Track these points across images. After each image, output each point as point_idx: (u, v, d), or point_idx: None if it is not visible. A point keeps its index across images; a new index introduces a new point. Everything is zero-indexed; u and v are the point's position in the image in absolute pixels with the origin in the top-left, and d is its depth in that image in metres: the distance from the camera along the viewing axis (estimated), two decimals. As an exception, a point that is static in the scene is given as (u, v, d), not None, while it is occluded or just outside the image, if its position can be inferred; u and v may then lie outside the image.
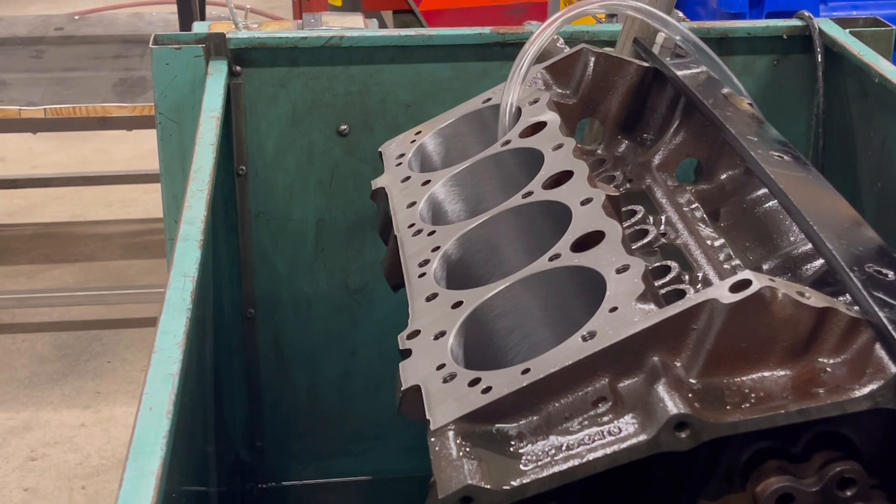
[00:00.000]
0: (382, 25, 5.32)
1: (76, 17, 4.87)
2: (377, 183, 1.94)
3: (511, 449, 1.29)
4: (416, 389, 1.39)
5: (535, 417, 1.31)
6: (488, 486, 1.23)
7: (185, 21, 4.29)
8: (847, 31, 2.54)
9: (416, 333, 1.51)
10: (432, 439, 1.31)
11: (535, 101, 1.91)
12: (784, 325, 1.32)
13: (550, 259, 1.52)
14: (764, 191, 1.83)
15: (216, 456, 2.19)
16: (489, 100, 2.01)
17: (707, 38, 2.13)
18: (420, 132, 2.03)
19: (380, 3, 5.76)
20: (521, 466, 1.27)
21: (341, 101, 2.49)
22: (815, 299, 1.33)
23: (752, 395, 1.30)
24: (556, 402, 1.31)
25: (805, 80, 2.57)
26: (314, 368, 2.71)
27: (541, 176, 1.69)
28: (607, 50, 2.08)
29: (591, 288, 1.44)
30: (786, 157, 1.73)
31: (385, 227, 1.87)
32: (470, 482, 1.23)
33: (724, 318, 1.30)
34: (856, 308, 1.36)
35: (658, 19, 2.02)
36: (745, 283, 1.31)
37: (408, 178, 1.90)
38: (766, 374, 1.32)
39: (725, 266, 1.70)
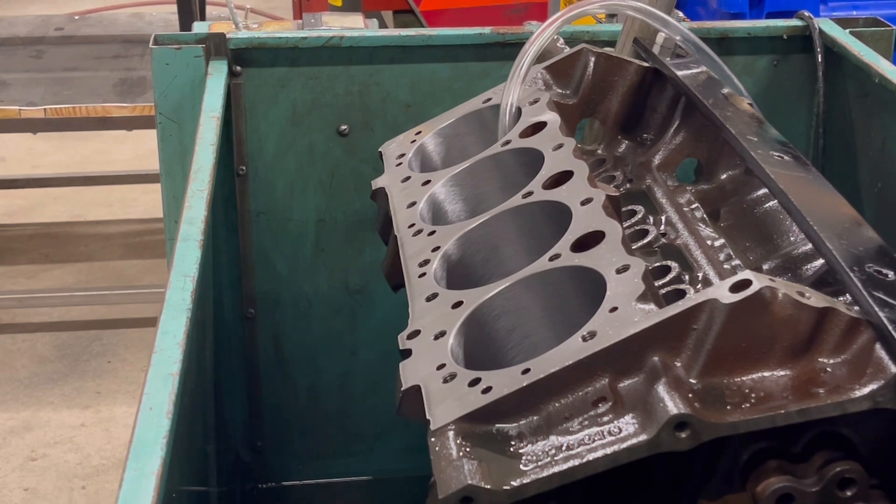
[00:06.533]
0: (382, 25, 5.32)
1: (76, 17, 4.87)
2: (377, 183, 1.94)
3: (511, 449, 1.29)
4: (417, 389, 1.39)
5: (535, 417, 1.31)
6: (488, 486, 1.23)
7: (185, 21, 4.29)
8: (847, 31, 2.54)
9: (416, 333, 1.50)
10: (432, 439, 1.31)
11: (535, 101, 1.91)
12: (784, 325, 1.32)
13: (550, 259, 1.52)
14: (764, 191, 1.83)
15: (216, 456, 2.19)
16: (489, 100, 2.01)
17: (707, 38, 2.13)
18: (420, 132, 2.03)
19: (380, 3, 5.76)
20: (522, 466, 1.27)
21: (341, 101, 2.49)
22: (815, 299, 1.33)
23: (752, 395, 1.30)
24: (557, 402, 1.31)
25: (805, 80, 2.57)
26: (314, 368, 2.71)
27: (541, 176, 1.69)
28: (607, 50, 2.08)
29: (591, 288, 1.44)
30: (786, 157, 1.73)
31: (385, 227, 1.87)
32: (470, 482, 1.23)
33: (724, 318, 1.30)
34: (856, 308, 1.36)
35: (658, 19, 2.02)
36: (746, 283, 1.31)
37: (408, 178, 1.90)
38: (766, 374, 1.32)
39: (725, 266, 1.70)
